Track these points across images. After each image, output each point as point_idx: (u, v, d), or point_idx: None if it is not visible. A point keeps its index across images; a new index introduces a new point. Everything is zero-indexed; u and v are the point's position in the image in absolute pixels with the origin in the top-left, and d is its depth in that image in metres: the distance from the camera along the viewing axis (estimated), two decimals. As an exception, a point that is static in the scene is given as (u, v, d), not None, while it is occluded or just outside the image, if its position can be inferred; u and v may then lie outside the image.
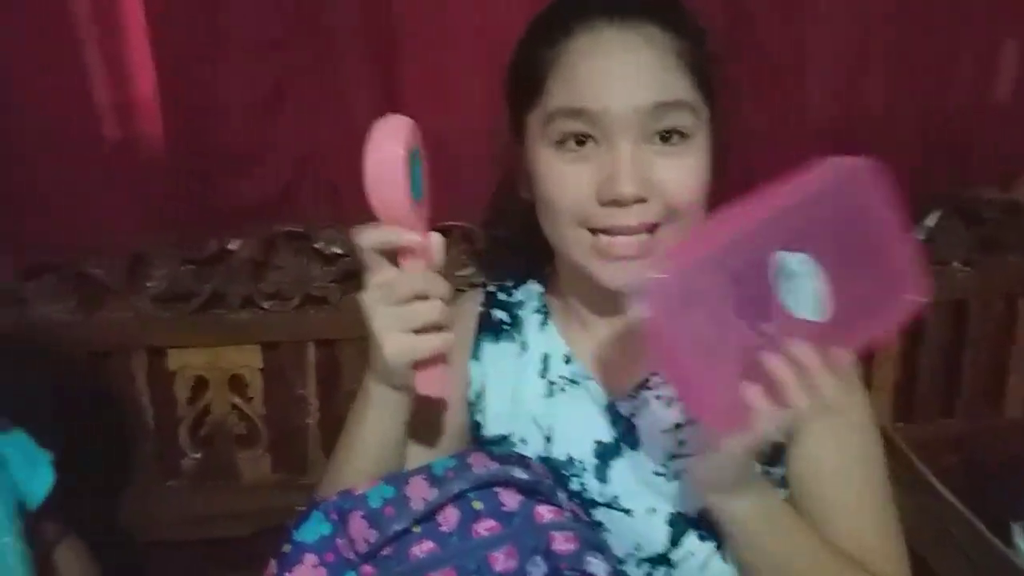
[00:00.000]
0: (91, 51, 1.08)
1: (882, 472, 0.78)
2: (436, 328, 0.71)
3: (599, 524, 0.79)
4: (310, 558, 0.66)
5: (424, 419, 0.83)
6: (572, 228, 0.76)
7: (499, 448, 0.84)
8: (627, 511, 0.79)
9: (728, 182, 0.80)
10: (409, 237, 0.69)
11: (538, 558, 0.65)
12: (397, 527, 0.66)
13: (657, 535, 0.78)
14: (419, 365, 0.73)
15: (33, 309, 1.11)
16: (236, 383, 1.17)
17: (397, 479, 0.71)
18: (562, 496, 0.72)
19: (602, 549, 0.70)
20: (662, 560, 0.78)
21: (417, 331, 0.70)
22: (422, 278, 0.70)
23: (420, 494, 0.68)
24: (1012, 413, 1.31)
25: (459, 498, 0.68)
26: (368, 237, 0.70)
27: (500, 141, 0.85)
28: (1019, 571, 0.89)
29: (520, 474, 0.70)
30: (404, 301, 0.70)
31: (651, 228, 0.74)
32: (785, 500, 0.77)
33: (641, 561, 0.78)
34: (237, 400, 1.17)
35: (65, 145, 1.10)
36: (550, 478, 0.75)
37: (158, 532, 1.15)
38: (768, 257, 0.62)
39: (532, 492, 0.70)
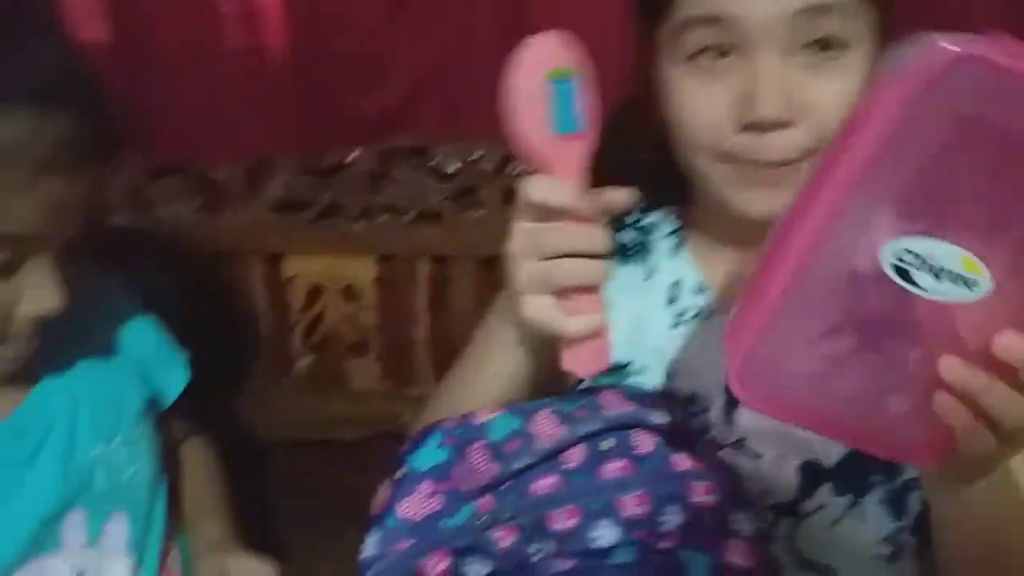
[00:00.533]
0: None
1: None
2: (589, 293, 0.56)
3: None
4: (425, 486, 0.56)
5: None
6: (705, 157, 0.63)
7: (616, 376, 0.74)
8: (755, 455, 0.68)
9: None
10: (577, 201, 0.54)
11: (674, 508, 0.54)
12: (520, 464, 0.56)
13: (787, 483, 0.67)
14: (570, 339, 0.57)
15: (160, 209, 1.07)
16: (350, 292, 1.10)
17: (522, 411, 0.60)
18: (704, 442, 0.61)
19: (749, 504, 0.59)
20: (789, 510, 0.67)
21: (563, 296, 0.56)
22: (573, 232, 0.54)
23: (548, 431, 0.57)
24: None
25: (587, 437, 0.58)
26: (533, 190, 0.55)
27: (632, 59, 0.71)
28: None
29: (658, 418, 0.59)
30: (549, 257, 0.55)
31: (798, 157, 0.60)
32: None
33: (766, 510, 0.68)
34: (350, 309, 1.10)
35: (192, 53, 1.04)
36: (691, 422, 0.64)
37: (273, 431, 1.10)
38: (865, 257, 0.43)
39: (670, 435, 0.59)
